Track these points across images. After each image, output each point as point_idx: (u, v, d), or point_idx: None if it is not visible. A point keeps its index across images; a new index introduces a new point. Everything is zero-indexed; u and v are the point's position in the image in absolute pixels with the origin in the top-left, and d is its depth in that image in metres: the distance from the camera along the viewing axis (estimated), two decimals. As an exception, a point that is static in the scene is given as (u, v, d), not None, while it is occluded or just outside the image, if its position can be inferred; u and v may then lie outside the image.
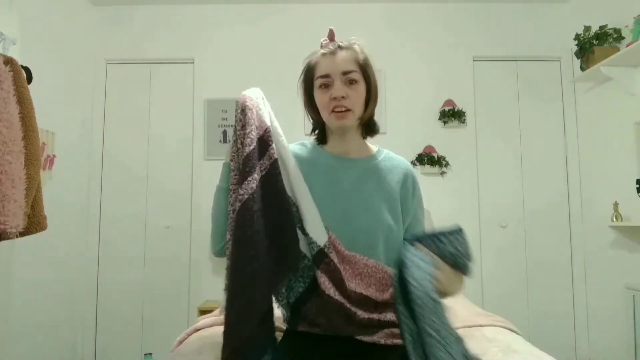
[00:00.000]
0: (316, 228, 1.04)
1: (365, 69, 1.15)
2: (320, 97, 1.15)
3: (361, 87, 1.14)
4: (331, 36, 1.19)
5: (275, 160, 1.07)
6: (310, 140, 1.28)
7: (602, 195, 2.97)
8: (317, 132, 1.26)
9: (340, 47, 1.15)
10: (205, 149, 3.32)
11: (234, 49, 3.39)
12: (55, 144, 2.80)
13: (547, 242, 3.24)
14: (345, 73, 1.12)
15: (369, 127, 1.23)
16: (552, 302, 3.20)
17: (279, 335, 1.32)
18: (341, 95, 1.10)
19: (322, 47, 1.18)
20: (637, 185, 2.59)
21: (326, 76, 1.13)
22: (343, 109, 1.12)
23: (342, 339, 1.10)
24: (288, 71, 3.28)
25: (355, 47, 1.16)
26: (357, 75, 1.13)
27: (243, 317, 0.93)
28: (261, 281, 0.94)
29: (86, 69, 3.28)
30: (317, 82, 1.15)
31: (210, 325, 1.43)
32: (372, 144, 1.28)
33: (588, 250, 3.16)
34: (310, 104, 1.21)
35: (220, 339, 1.27)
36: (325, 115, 1.16)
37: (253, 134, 1.05)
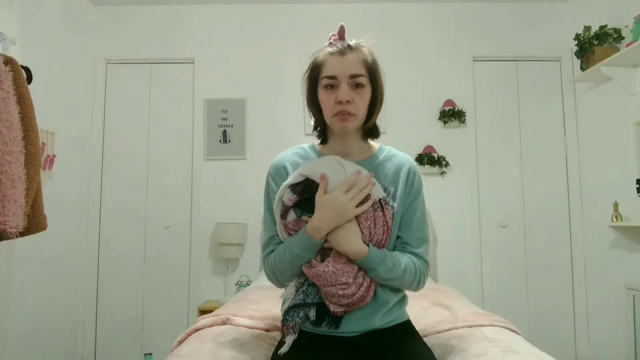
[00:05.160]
0: None
1: (373, 73, 1.12)
2: (324, 97, 1.12)
3: (367, 92, 1.12)
4: (341, 33, 1.15)
5: None
6: (309, 143, 1.26)
7: (602, 195, 2.97)
8: (318, 129, 1.22)
9: (349, 47, 1.11)
10: (205, 149, 3.32)
11: (234, 49, 3.39)
12: (55, 144, 2.80)
13: (547, 242, 3.24)
14: (352, 76, 1.09)
15: (370, 131, 1.20)
16: (552, 302, 3.20)
17: (279, 335, 1.33)
18: (346, 99, 1.08)
19: (330, 43, 1.14)
20: (637, 185, 2.59)
21: (332, 77, 1.09)
22: (346, 113, 1.09)
23: (343, 338, 1.10)
24: (288, 71, 3.31)
25: (365, 49, 1.13)
26: (364, 80, 1.10)
27: None
28: None
29: (86, 69, 3.28)
30: (323, 82, 1.11)
31: (210, 325, 1.42)
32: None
33: (588, 250, 3.16)
34: (313, 102, 1.17)
35: (220, 339, 1.28)
36: (328, 117, 1.13)
37: None
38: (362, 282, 1.06)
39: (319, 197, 1.07)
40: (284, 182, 1.12)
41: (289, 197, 1.10)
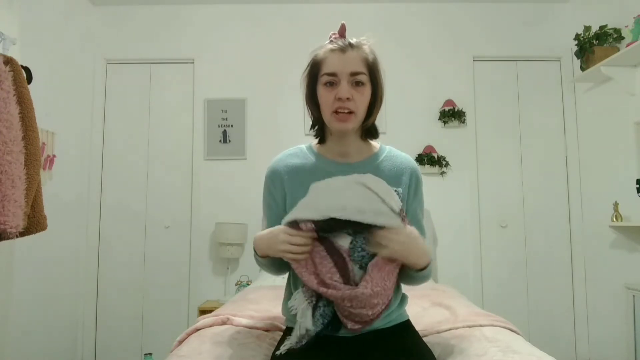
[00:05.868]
0: None
1: (373, 71, 1.12)
2: (324, 95, 1.11)
3: (367, 90, 1.11)
4: (342, 32, 1.14)
5: None
6: (306, 143, 1.25)
7: (602, 195, 2.97)
8: (316, 128, 1.21)
9: (350, 45, 1.10)
10: (205, 149, 3.32)
11: (234, 49, 3.39)
12: (55, 144, 2.80)
13: (547, 242, 3.24)
14: (353, 74, 1.08)
15: (369, 131, 1.19)
16: (552, 302, 3.20)
17: (279, 335, 1.33)
18: (346, 96, 1.07)
19: (331, 41, 1.14)
20: (637, 185, 2.59)
21: (333, 74, 1.08)
22: (346, 111, 1.08)
23: (343, 338, 1.10)
24: (288, 71, 3.30)
25: (365, 47, 1.12)
26: (364, 78, 1.09)
27: None
28: None
29: (86, 69, 3.28)
30: (323, 79, 1.10)
31: (210, 325, 1.43)
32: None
33: (588, 250, 3.16)
34: (312, 100, 1.16)
35: (220, 339, 1.28)
36: (326, 115, 1.12)
37: None
38: (384, 300, 1.03)
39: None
40: (305, 210, 1.02)
41: (307, 225, 1.00)
